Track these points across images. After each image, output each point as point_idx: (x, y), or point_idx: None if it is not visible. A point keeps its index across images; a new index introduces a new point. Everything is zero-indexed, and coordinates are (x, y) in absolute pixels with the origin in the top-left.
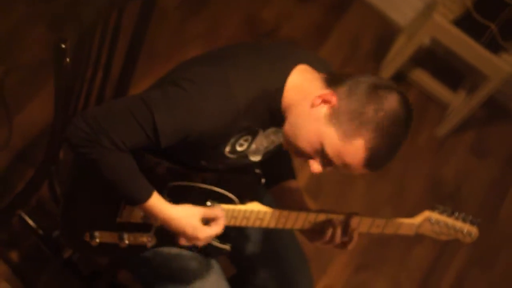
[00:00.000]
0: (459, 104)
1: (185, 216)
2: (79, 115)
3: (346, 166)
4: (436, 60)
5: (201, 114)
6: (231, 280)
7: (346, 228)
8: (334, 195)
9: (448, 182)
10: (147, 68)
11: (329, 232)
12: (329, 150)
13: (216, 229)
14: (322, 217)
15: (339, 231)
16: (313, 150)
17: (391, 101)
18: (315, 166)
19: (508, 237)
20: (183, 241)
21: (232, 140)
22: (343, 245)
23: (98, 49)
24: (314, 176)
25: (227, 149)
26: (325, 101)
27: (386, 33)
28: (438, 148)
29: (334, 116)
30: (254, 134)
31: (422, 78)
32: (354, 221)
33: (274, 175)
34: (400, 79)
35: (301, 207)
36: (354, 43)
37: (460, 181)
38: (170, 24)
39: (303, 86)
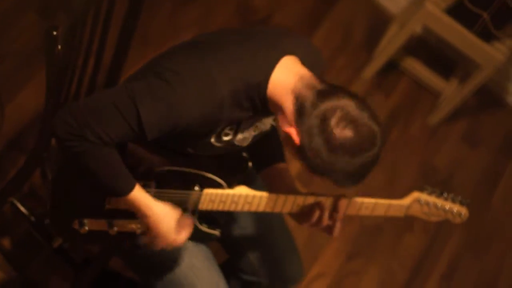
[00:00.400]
0: (451, 92)
1: (164, 214)
2: (64, 109)
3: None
4: (428, 48)
5: (186, 108)
6: (222, 265)
7: (334, 211)
8: (326, 184)
9: (440, 170)
10: (139, 55)
11: (316, 214)
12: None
13: (184, 236)
14: (310, 199)
15: (326, 214)
16: None
17: (342, 140)
18: None
19: (500, 225)
20: (147, 239)
21: (218, 130)
22: (329, 230)
23: (89, 36)
24: None
25: (213, 139)
26: (290, 137)
27: (378, 21)
28: (430, 136)
29: (298, 154)
30: (238, 124)
31: (414, 66)
32: (342, 203)
33: (263, 158)
34: (392, 67)
35: (291, 190)
36: (346, 31)
37: (452, 170)
38: (163, 11)
39: (283, 89)
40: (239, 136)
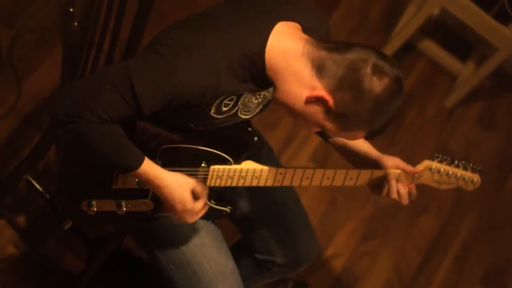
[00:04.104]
0: (468, 75)
1: (177, 184)
2: (62, 91)
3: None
4: (445, 30)
5: (180, 79)
6: (236, 245)
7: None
8: (342, 164)
9: (456, 152)
10: (156, 33)
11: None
12: (330, 134)
13: (200, 204)
14: (319, 173)
15: None
16: (312, 128)
17: (383, 89)
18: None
19: None
20: (168, 210)
21: (217, 102)
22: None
23: (106, 13)
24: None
25: (213, 110)
26: (319, 100)
27: (396, 2)
28: (446, 118)
29: (331, 116)
30: (239, 95)
31: (431, 48)
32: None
33: None
34: (409, 49)
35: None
36: (363, 12)
37: (467, 152)
38: None
39: (286, 54)
40: (241, 106)
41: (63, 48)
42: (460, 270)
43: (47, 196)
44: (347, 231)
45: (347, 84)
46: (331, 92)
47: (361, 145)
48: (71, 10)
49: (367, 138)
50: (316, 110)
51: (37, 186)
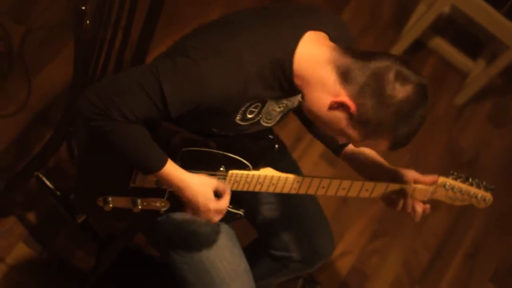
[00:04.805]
0: (478, 73)
1: (199, 185)
2: (89, 89)
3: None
4: (456, 28)
5: (210, 84)
6: (253, 243)
7: None
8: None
9: (466, 150)
10: (167, 32)
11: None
12: (353, 142)
13: (225, 202)
14: (335, 183)
15: None
16: (338, 137)
17: (405, 96)
18: (342, 140)
19: None
20: (190, 212)
21: (243, 109)
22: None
23: (117, 11)
24: None
25: (238, 117)
26: (342, 106)
27: (406, 0)
28: (456, 116)
29: (353, 122)
30: (264, 102)
31: (442, 46)
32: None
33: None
34: (419, 47)
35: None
36: (374, 10)
37: (478, 149)
38: None
39: (313, 61)
40: (264, 113)
41: (75, 46)
42: (471, 268)
43: (58, 193)
44: (357, 228)
45: (370, 90)
46: (354, 98)
47: (374, 158)
48: (84, 8)
49: (391, 149)
50: (339, 117)
51: (48, 183)
